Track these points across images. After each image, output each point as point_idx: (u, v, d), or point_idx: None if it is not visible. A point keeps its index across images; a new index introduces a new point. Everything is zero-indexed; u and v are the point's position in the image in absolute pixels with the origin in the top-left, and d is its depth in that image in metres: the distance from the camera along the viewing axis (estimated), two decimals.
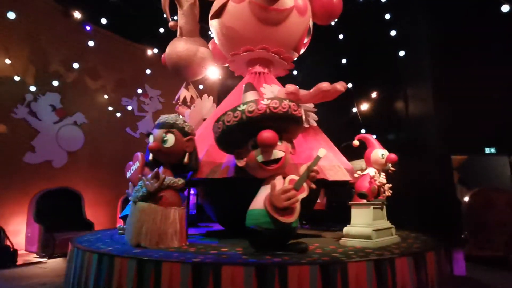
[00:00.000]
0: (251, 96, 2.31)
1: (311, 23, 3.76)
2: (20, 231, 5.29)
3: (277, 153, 2.06)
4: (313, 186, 2.04)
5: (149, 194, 2.27)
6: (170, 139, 2.38)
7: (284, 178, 2.06)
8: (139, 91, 7.43)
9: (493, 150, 5.18)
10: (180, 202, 2.41)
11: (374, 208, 2.22)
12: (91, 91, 6.79)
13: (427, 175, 4.92)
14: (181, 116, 2.57)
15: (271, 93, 2.83)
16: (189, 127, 2.51)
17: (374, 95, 6.34)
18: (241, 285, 1.72)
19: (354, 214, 2.27)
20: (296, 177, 2.04)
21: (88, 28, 6.57)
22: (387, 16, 5.65)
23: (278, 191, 1.93)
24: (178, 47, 3.60)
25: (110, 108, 6.87)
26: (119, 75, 7.18)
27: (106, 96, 6.93)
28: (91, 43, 6.35)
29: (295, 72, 6.89)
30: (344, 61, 6.33)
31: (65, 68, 6.25)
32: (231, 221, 3.26)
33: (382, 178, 2.47)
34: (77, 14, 6.20)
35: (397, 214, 4.55)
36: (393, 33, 5.52)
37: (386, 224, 2.37)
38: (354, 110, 6.36)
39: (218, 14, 3.70)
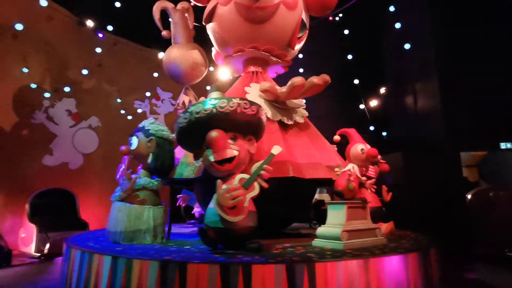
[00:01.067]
0: (213, 96, 2.30)
1: (304, 16, 3.68)
2: (14, 231, 5.30)
3: (230, 152, 2.06)
4: (264, 184, 1.99)
5: (124, 194, 2.40)
6: (134, 142, 2.56)
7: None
8: (149, 94, 7.65)
9: (509, 145, 4.91)
10: (157, 201, 2.52)
11: (349, 207, 2.11)
12: (105, 96, 7.09)
13: (435, 172, 4.73)
14: (157, 122, 2.68)
15: (255, 91, 2.85)
16: (157, 130, 2.60)
17: (381, 90, 6.18)
18: (205, 282, 1.77)
19: (329, 213, 2.19)
20: (247, 176, 2.01)
21: (100, 35, 6.86)
22: (392, 9, 5.47)
23: (223, 190, 1.93)
24: (172, 54, 3.70)
25: (122, 112, 7.14)
26: (131, 79, 7.43)
27: (119, 100, 7.21)
28: (104, 50, 6.64)
29: (301, 70, 6.86)
30: (350, 56, 6.20)
31: (79, 74, 6.56)
32: None
33: (364, 173, 2.39)
34: (89, 23, 6.52)
35: (404, 212, 4.43)
36: (397, 25, 5.34)
37: (368, 224, 2.22)
38: (362, 106, 6.22)
39: (209, 18, 3.77)
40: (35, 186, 5.50)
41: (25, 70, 5.76)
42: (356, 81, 6.11)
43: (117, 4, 6.34)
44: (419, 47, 5.29)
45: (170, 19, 3.87)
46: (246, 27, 3.45)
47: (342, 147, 3.71)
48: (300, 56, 6.84)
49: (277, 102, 2.92)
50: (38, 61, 6.01)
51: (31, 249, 4.92)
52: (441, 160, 4.61)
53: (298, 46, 3.95)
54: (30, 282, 3.36)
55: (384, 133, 6.43)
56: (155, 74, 7.40)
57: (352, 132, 2.41)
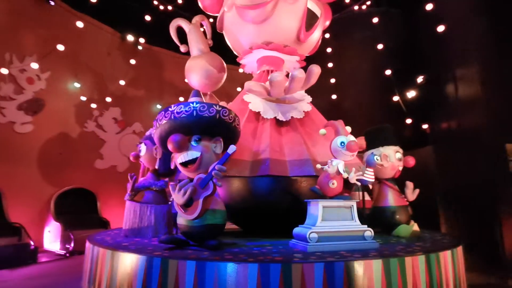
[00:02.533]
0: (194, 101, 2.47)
1: (312, 6, 3.53)
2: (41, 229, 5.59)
3: (192, 154, 2.11)
4: (219, 184, 2.03)
5: (132, 194, 2.66)
6: (143, 149, 2.79)
7: None
8: (183, 99, 8.09)
9: None
10: (162, 201, 2.73)
11: (325, 207, 2.00)
12: (146, 102, 7.70)
13: (478, 167, 4.26)
14: None
15: (259, 87, 2.87)
16: None
17: (417, 80, 5.72)
18: (183, 277, 1.88)
19: (308, 213, 2.12)
20: (204, 176, 2.06)
21: (140, 47, 7.48)
22: None
23: (177, 189, 2.01)
24: (188, 66, 3.93)
25: None
26: (169, 86, 7.95)
27: (159, 106, 7.76)
28: (142, 60, 7.24)
29: (330, 65, 6.67)
30: (380, 46, 5.85)
31: (123, 85, 7.23)
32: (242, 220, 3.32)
33: (352, 170, 2.20)
34: (130, 37, 7.14)
35: (444, 212, 4.08)
36: (429, 7, 4.89)
37: (352, 226, 2.03)
38: (396, 98, 5.83)
39: (220, 26, 3.90)
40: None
41: (77, 85, 6.53)
42: (388, 72, 5.73)
43: (148, 18, 6.80)
44: (458, 30, 4.80)
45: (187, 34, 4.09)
46: (251, 29, 3.49)
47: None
48: (329, 50, 6.69)
49: (272, 99, 2.92)
50: (86, 75, 6.76)
51: (57, 246, 5.22)
52: (485, 153, 4.13)
53: (312, 38, 3.77)
54: (55, 279, 3.59)
55: (424, 126, 5.94)
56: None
57: (336, 124, 2.22)
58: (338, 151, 2.10)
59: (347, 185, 2.10)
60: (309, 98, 3.04)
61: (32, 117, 5.84)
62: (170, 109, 2.23)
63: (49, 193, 5.80)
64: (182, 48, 4.13)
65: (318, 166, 2.14)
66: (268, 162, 2.42)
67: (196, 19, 4.13)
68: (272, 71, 3.87)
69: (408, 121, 5.81)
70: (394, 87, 5.76)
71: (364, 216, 2.79)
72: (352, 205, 2.04)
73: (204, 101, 2.67)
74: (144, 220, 2.64)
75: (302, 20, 3.36)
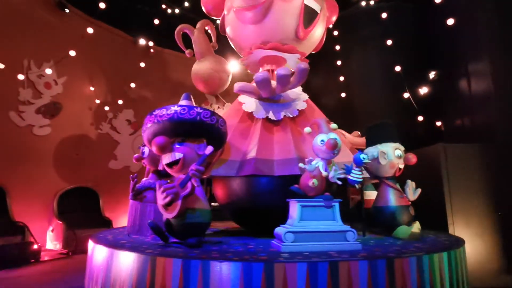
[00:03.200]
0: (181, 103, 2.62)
1: (310, 2, 3.45)
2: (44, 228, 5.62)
3: (175, 155, 2.19)
4: (195, 184, 2.07)
5: (134, 194, 2.76)
6: (146, 151, 2.86)
7: None
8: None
9: None
10: None
11: (304, 206, 1.97)
12: (159, 104, 7.80)
13: (492, 167, 4.07)
14: None
15: (250, 88, 2.89)
16: None
17: (429, 75, 5.54)
18: (170, 275, 1.93)
19: (289, 213, 2.10)
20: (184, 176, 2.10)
21: (151, 50, 7.67)
22: None
23: (159, 189, 2.06)
24: (193, 70, 4.04)
25: None
26: (181, 87, 8.09)
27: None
28: (152, 62, 7.42)
29: (339, 62, 6.57)
30: (390, 42, 5.70)
31: (136, 88, 7.43)
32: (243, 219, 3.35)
33: (333, 169, 2.12)
34: (141, 41, 7.34)
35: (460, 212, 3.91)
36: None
37: (333, 226, 1.97)
38: (406, 95, 5.67)
39: (223, 29, 3.95)
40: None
41: (92, 88, 6.78)
42: (397, 68, 5.58)
43: (158, 21, 6.96)
44: (469, 24, 4.62)
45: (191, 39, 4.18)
46: (249, 30, 3.50)
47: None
48: (337, 48, 6.59)
49: (266, 98, 2.92)
50: (101, 79, 7.01)
51: (60, 245, 5.26)
52: (501, 152, 3.94)
53: (313, 35, 3.67)
54: (58, 278, 3.59)
55: (438, 123, 5.74)
56: None
57: (319, 121, 2.18)
58: (319, 150, 2.06)
59: (329, 185, 2.06)
60: (305, 96, 3.01)
61: (50, 120, 6.12)
62: (154, 113, 2.34)
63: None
64: (187, 53, 4.23)
65: (301, 165, 2.10)
66: (254, 161, 2.44)
67: (200, 24, 4.22)
68: (272, 71, 3.89)
69: (420, 118, 5.64)
70: (404, 84, 5.60)
71: (364, 216, 2.73)
72: (334, 205, 2.00)
73: (194, 103, 2.77)
74: (144, 218, 2.72)
75: (299, 17, 3.33)
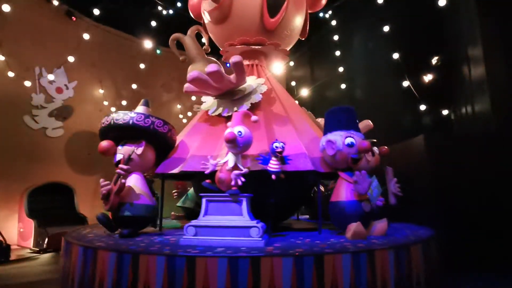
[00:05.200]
0: (138, 110, 2.86)
1: None
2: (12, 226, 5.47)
3: (118, 156, 2.51)
4: (123, 181, 2.33)
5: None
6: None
7: None
8: None
9: None
10: None
11: (209, 201, 1.99)
12: (167, 104, 8.13)
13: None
14: None
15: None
16: None
17: (431, 61, 5.17)
18: (154, 272, 2.00)
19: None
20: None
21: (158, 51, 7.90)
22: None
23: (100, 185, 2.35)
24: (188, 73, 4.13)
25: (180, 116, 8.06)
26: None
27: (179, 106, 8.16)
28: (161, 62, 7.67)
29: (337, 53, 6.36)
30: (386, 28, 5.40)
31: (145, 88, 7.72)
32: None
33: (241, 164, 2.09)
34: (148, 43, 7.58)
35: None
36: None
37: (239, 221, 1.94)
38: (406, 83, 5.34)
39: (206, 32, 4.00)
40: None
41: (101, 91, 7.16)
42: (396, 55, 5.28)
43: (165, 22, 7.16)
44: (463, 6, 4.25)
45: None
46: (219, 29, 3.58)
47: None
48: (336, 37, 6.36)
49: (222, 95, 2.93)
50: (109, 82, 7.37)
51: (30, 243, 5.02)
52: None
53: (285, 23, 3.56)
54: (29, 277, 3.45)
55: (445, 111, 5.37)
56: None
57: (235, 115, 2.16)
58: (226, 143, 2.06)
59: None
60: (263, 89, 2.95)
61: (62, 122, 6.56)
62: (112, 115, 2.60)
63: (78, 192, 6.40)
64: (182, 59, 4.34)
65: (212, 161, 2.10)
66: (190, 158, 2.51)
67: (190, 30, 4.32)
68: (257, 65, 3.87)
69: (422, 107, 5.30)
70: (404, 72, 5.29)
71: (318, 212, 2.61)
72: (242, 200, 1.97)
73: (150, 110, 2.94)
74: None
75: (263, 9, 3.29)
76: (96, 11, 6.73)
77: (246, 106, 2.72)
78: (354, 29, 6.15)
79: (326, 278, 1.67)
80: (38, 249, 4.88)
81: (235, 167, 2.03)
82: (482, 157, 3.39)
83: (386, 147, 3.46)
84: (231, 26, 3.47)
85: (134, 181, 2.66)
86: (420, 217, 3.37)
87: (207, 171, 2.05)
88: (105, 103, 7.17)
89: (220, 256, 1.63)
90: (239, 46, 3.69)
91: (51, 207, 5.63)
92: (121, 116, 2.53)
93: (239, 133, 2.04)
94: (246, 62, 3.88)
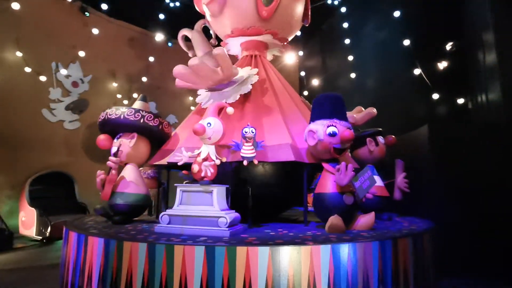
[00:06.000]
0: (136, 105, 2.91)
1: None
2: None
3: (114, 148, 2.66)
4: (113, 172, 2.51)
5: None
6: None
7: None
8: None
9: None
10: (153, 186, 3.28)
11: (184, 191, 2.03)
12: (179, 96, 8.24)
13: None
14: None
15: None
16: None
17: (446, 47, 4.90)
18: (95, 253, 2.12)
19: None
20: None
21: (170, 44, 8.00)
22: None
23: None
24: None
25: (192, 108, 8.13)
26: None
27: (191, 98, 8.25)
28: (175, 56, 7.73)
29: (347, 41, 6.16)
30: (397, 13, 5.16)
31: (158, 80, 7.87)
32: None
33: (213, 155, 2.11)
34: (160, 36, 7.69)
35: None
36: None
37: (209, 211, 1.97)
38: (417, 71, 5.11)
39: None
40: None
41: (115, 84, 7.37)
42: (407, 42, 5.05)
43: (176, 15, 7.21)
44: None
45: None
46: (218, 21, 3.56)
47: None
48: (345, 25, 6.17)
49: (213, 88, 2.92)
50: (122, 75, 7.56)
51: (32, 232, 5.14)
52: None
53: (281, 11, 3.46)
54: (32, 265, 3.56)
55: (460, 100, 5.11)
56: None
57: (209, 106, 2.19)
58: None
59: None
60: (254, 79, 2.91)
61: (78, 115, 6.83)
62: (107, 111, 2.73)
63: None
64: (190, 53, 4.38)
65: (185, 153, 2.12)
66: (177, 150, 2.61)
67: (197, 24, 4.35)
68: (256, 56, 3.84)
69: (435, 96, 5.06)
70: (416, 59, 5.06)
71: (249, 204, 2.58)
72: (213, 190, 2.00)
73: (147, 105, 3.06)
74: None
75: (255, 2, 3.24)
76: (108, 6, 6.89)
77: (233, 98, 2.71)
78: (364, 16, 5.92)
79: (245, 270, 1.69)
80: (41, 238, 5.04)
81: (207, 158, 2.05)
82: (491, 148, 3.22)
83: (393, 136, 3.33)
84: (228, 18, 3.44)
85: (128, 172, 2.78)
86: (428, 210, 3.26)
87: (180, 163, 2.08)
88: (119, 96, 7.38)
89: (178, 244, 1.73)
90: (237, 38, 3.66)
91: (52, 196, 5.74)
92: (114, 111, 2.65)
93: (209, 125, 2.05)
94: (245, 53, 3.86)
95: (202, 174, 1.98)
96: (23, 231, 5.38)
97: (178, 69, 2.53)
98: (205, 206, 1.97)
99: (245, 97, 2.91)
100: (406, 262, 2.09)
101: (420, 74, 5.15)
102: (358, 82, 6.15)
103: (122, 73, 7.56)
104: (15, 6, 5.51)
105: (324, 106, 2.27)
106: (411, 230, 2.30)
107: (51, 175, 5.93)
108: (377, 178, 3.12)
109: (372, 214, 2.21)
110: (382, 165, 3.24)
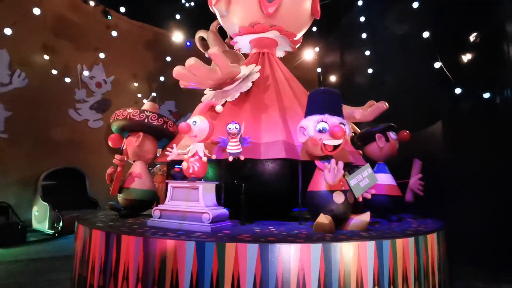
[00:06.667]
0: (145, 105, 3.04)
1: None
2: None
3: (123, 145, 2.88)
4: (119, 169, 2.70)
5: None
6: None
7: None
8: None
9: None
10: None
11: (174, 187, 2.13)
12: (198, 95, 8.34)
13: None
14: None
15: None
16: None
17: (470, 38, 4.61)
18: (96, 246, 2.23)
19: None
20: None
21: (188, 44, 8.15)
22: None
23: None
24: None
25: None
26: None
27: None
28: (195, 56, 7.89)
29: (364, 36, 5.98)
30: (415, 4, 4.93)
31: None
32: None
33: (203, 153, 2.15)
34: (179, 36, 7.85)
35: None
36: None
37: (194, 207, 2.03)
38: (438, 64, 4.85)
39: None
40: None
41: (136, 84, 7.63)
42: (426, 34, 4.82)
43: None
44: None
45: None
46: (226, 21, 3.62)
47: None
48: (362, 19, 5.98)
49: (215, 87, 2.95)
50: (144, 74, 7.80)
51: (45, 226, 5.30)
52: None
53: (289, 6, 3.45)
54: (45, 258, 3.64)
55: (486, 95, 4.81)
56: None
57: (198, 106, 2.25)
58: None
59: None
60: (255, 77, 2.90)
61: (102, 114, 7.15)
62: (116, 112, 2.91)
63: None
64: (206, 54, 4.48)
65: (175, 149, 2.19)
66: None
67: (212, 25, 4.42)
68: (264, 53, 3.84)
69: (458, 90, 4.78)
70: (436, 52, 4.81)
71: (242, 202, 2.55)
72: (199, 187, 2.03)
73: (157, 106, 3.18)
74: None
75: (256, 3, 3.23)
76: (129, 9, 7.13)
77: (231, 97, 2.73)
78: (383, 8, 5.71)
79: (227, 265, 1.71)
80: (53, 232, 5.20)
81: (195, 154, 2.08)
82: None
83: (407, 131, 3.15)
84: (234, 17, 3.47)
85: (135, 168, 2.89)
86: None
87: (168, 158, 2.13)
88: (139, 95, 7.63)
89: (151, 237, 1.83)
90: (245, 36, 3.67)
91: (64, 192, 5.89)
92: (121, 112, 2.81)
93: (194, 123, 2.08)
94: (254, 51, 3.86)
95: (190, 171, 2.03)
96: (36, 225, 5.58)
97: (177, 69, 2.59)
98: (192, 202, 2.03)
99: (247, 95, 2.92)
100: (395, 265, 2.00)
101: (441, 68, 4.89)
102: (376, 77, 5.95)
103: (142, 73, 7.81)
104: (38, 11, 5.80)
105: (316, 101, 2.20)
106: (402, 232, 2.17)
107: (64, 171, 6.11)
108: (387, 176, 3.00)
109: (367, 214, 2.11)
110: (399, 163, 3.09)
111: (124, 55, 7.43)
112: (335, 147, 2.10)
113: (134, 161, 2.99)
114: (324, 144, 2.09)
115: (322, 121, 2.09)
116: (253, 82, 2.84)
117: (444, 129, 3.33)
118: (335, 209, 2.03)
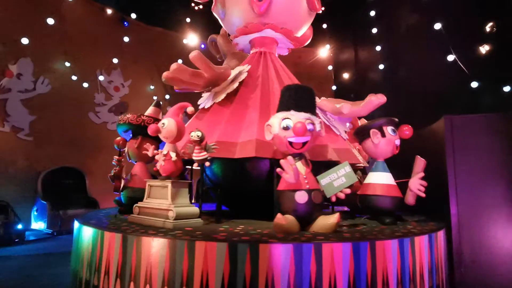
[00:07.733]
0: (149, 110, 3.10)
1: None
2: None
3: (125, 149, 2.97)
4: (117, 169, 2.55)
5: None
6: None
7: None
8: None
9: None
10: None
11: (150, 185, 2.22)
12: None
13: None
14: None
15: None
16: None
17: (485, 29, 4.34)
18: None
19: None
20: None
21: (202, 46, 8.31)
22: None
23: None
24: None
25: None
26: None
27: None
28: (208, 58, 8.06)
29: (374, 30, 5.79)
30: None
31: None
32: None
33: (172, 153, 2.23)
34: (192, 39, 8.04)
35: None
36: None
37: (163, 204, 2.11)
38: (451, 57, 4.61)
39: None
40: None
41: (152, 87, 7.89)
42: (438, 26, 4.59)
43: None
44: None
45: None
46: (225, 23, 3.64)
47: None
48: (372, 13, 5.80)
49: (209, 89, 2.98)
50: (159, 77, 8.03)
51: (44, 225, 5.27)
52: None
53: (277, 4, 3.35)
54: (44, 257, 3.65)
55: (506, 88, 4.51)
56: None
57: (172, 107, 2.30)
58: None
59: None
60: (242, 77, 2.90)
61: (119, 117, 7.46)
62: (119, 117, 3.00)
63: None
64: (218, 57, 4.60)
65: (154, 151, 2.28)
66: None
67: (222, 29, 4.51)
68: (262, 52, 3.84)
69: (474, 84, 4.52)
70: (449, 45, 4.57)
71: (218, 201, 2.57)
72: (168, 185, 2.09)
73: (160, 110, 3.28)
74: None
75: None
76: (145, 14, 7.40)
77: (215, 98, 2.77)
78: (394, 2, 5.52)
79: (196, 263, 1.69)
80: (52, 230, 5.20)
81: (166, 155, 2.15)
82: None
83: (408, 126, 2.92)
84: (230, 18, 3.49)
85: (135, 169, 3.00)
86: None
87: (149, 154, 2.23)
88: (155, 97, 7.86)
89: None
90: (242, 37, 3.69)
91: (63, 191, 5.93)
92: (122, 117, 2.93)
93: (162, 124, 2.13)
94: (253, 51, 3.86)
95: (158, 167, 2.14)
96: (35, 224, 5.60)
97: (165, 74, 2.65)
98: (162, 200, 2.10)
99: (235, 95, 2.94)
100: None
101: (456, 61, 4.64)
102: (388, 72, 5.75)
103: (158, 76, 8.04)
104: (56, 21, 6.13)
105: (283, 98, 2.13)
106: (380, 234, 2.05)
107: (63, 170, 6.21)
108: (384, 175, 2.85)
109: (335, 215, 1.97)
110: (403, 161, 2.94)
111: (141, 59, 7.71)
112: (303, 144, 2.04)
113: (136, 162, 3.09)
114: (289, 141, 2.02)
115: (287, 118, 2.02)
116: (241, 82, 2.85)
117: (440, 126, 3.14)
118: (298, 209, 1.95)
